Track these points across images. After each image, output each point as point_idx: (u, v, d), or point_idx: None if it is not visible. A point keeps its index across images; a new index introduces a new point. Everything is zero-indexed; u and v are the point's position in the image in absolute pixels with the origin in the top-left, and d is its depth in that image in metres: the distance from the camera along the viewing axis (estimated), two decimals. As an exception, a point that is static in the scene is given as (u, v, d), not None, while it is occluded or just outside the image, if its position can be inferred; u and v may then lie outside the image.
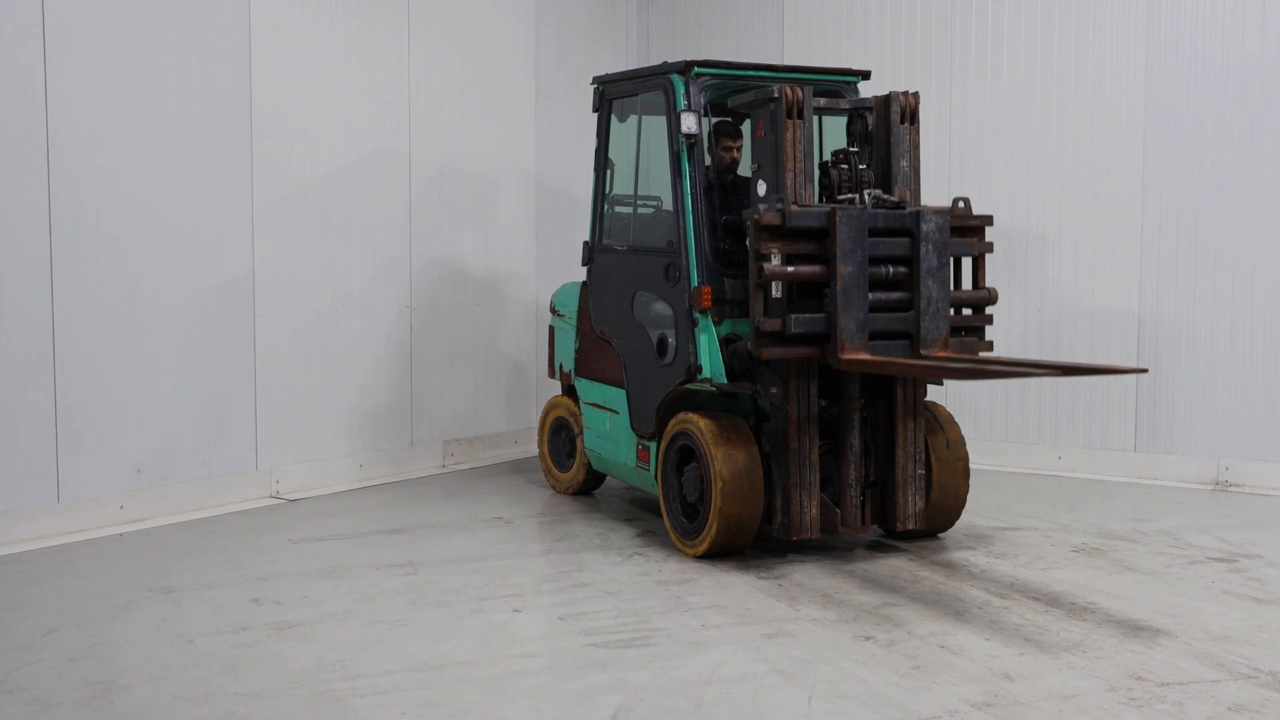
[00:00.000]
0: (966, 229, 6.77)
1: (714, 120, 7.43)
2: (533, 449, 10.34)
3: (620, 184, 8.01)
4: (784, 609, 5.93)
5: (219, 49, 8.00)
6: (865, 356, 6.30)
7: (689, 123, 6.97)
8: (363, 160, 9.00)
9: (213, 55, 7.97)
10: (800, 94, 6.58)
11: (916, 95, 6.92)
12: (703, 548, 6.74)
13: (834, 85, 7.48)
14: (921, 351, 6.44)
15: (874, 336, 6.44)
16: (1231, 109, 8.74)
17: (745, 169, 7.53)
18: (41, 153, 7.09)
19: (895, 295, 6.49)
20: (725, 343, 6.86)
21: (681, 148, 7.03)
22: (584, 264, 8.17)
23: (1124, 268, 9.15)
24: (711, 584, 6.37)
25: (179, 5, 7.77)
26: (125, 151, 7.51)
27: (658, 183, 7.79)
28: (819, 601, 6.06)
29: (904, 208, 6.63)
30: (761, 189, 6.67)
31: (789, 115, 6.56)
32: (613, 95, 7.90)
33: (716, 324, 6.87)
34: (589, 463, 8.34)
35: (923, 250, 6.46)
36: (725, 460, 6.59)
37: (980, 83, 9.72)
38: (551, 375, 8.81)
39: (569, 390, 8.65)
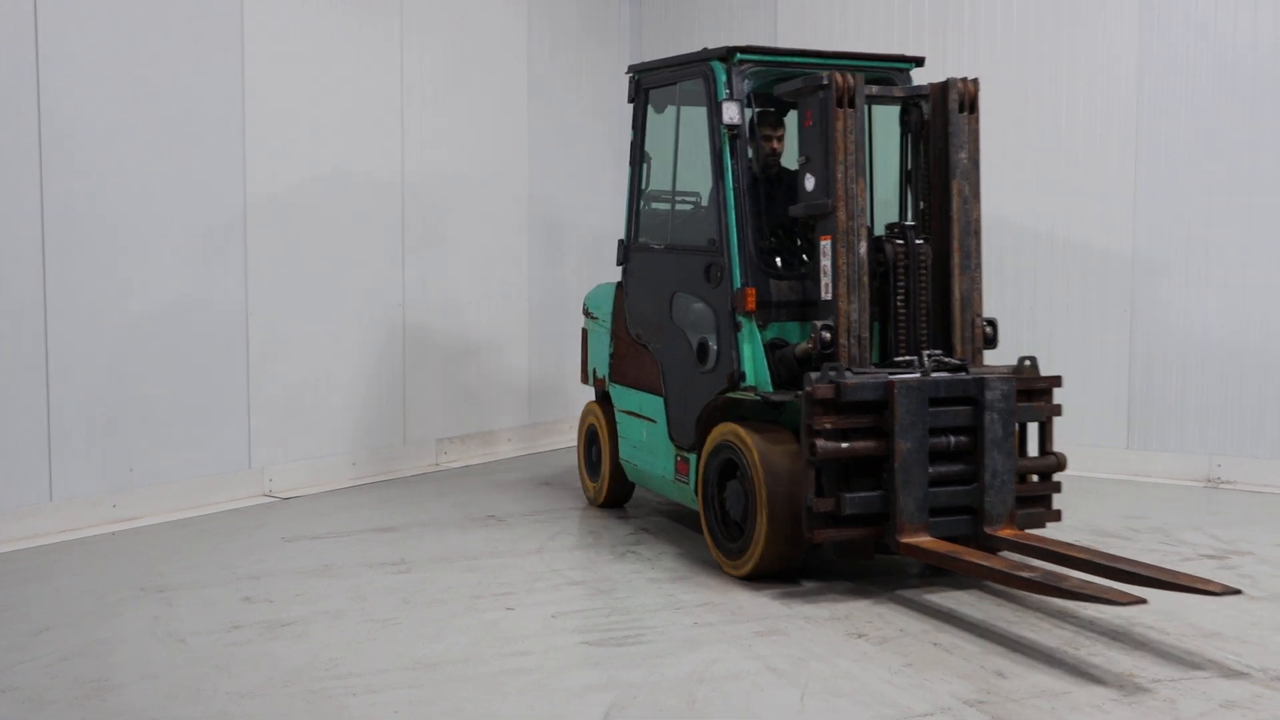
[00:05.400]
0: (1033, 391, 6.21)
1: (755, 109, 7.04)
2: (524, 446, 10.35)
3: (657, 179, 7.57)
4: (776, 606, 5.94)
5: (212, 51, 7.99)
6: (927, 541, 5.82)
7: (731, 112, 6.52)
8: (357, 159, 8.99)
9: (207, 59, 7.95)
10: (852, 81, 6.13)
11: (976, 82, 6.49)
12: (748, 568, 6.27)
13: (884, 72, 7.03)
14: (986, 529, 5.94)
15: (933, 512, 5.92)
16: (1225, 106, 8.74)
17: (788, 160, 7.21)
18: (34, 153, 7.08)
19: (957, 468, 5.97)
20: (770, 348, 6.43)
21: (723, 139, 6.57)
22: (619, 263, 7.76)
23: (1116, 265, 9.16)
24: (704, 582, 6.37)
25: (173, 14, 7.77)
26: (119, 151, 7.49)
27: (697, 177, 7.31)
28: (811, 599, 6.06)
29: (966, 370, 6.13)
30: (810, 183, 6.25)
31: (840, 104, 6.10)
32: (649, 85, 7.47)
33: (761, 328, 6.44)
34: (613, 474, 7.92)
35: (987, 419, 5.93)
36: (772, 476, 6.13)
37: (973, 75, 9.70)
38: (584, 380, 8.41)
39: (602, 397, 8.19)
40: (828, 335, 6.13)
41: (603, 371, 8.01)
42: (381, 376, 9.27)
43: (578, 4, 11.02)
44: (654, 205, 7.61)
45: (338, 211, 8.87)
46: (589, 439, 8.26)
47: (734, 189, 6.52)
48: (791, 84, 6.37)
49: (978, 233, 6.44)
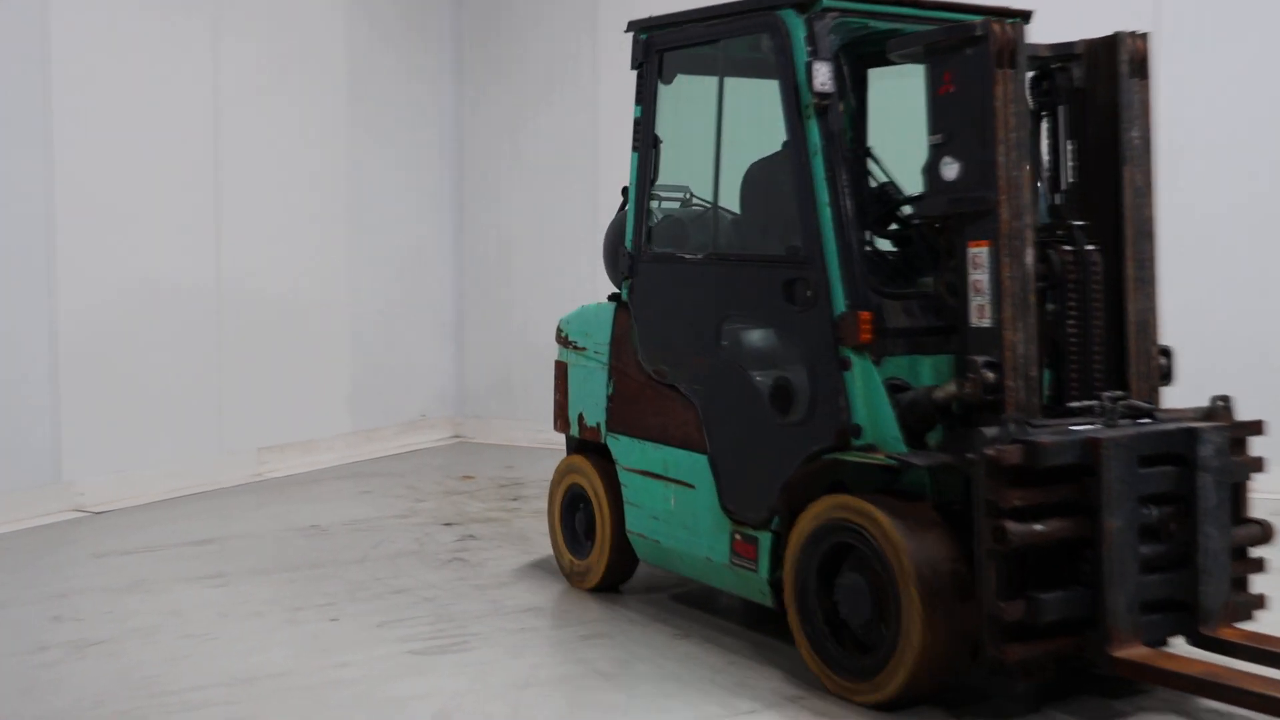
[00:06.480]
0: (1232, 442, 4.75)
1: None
2: (347, 455, 10.17)
3: (669, 170, 6.02)
4: (601, 610, 5.97)
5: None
6: (1149, 655, 4.41)
7: (823, 76, 4.94)
8: (166, 159, 8.76)
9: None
10: (1012, 33, 4.60)
11: (1146, 38, 5.03)
12: (887, 693, 4.59)
13: None
14: (1202, 630, 4.55)
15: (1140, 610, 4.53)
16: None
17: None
18: None
19: (1162, 549, 4.54)
20: (890, 391, 4.83)
21: (809, 114, 4.97)
22: (624, 278, 6.01)
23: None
24: (529, 587, 6.36)
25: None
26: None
27: (689, 167, 5.92)
28: (636, 602, 6.11)
29: (1153, 417, 4.74)
30: (951, 170, 4.73)
31: (999, 63, 4.59)
32: (664, 45, 5.83)
33: (875, 364, 4.84)
34: (615, 550, 6.17)
35: (1199, 483, 4.55)
36: (925, 572, 4.47)
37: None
38: (561, 428, 6.59)
39: (584, 448, 6.45)
40: (992, 375, 4.57)
41: (596, 418, 6.26)
42: (198, 384, 9.01)
43: (399, 11, 10.92)
44: (667, 203, 6.15)
45: (150, 207, 8.59)
46: (569, 503, 6.49)
47: (830, 179, 4.91)
48: (912, 39, 4.89)
49: (1152, 235, 5.03)
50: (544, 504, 8.20)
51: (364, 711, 4.71)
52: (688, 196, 6.12)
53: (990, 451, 4.31)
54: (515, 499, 8.53)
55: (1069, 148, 5.16)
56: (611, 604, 6.04)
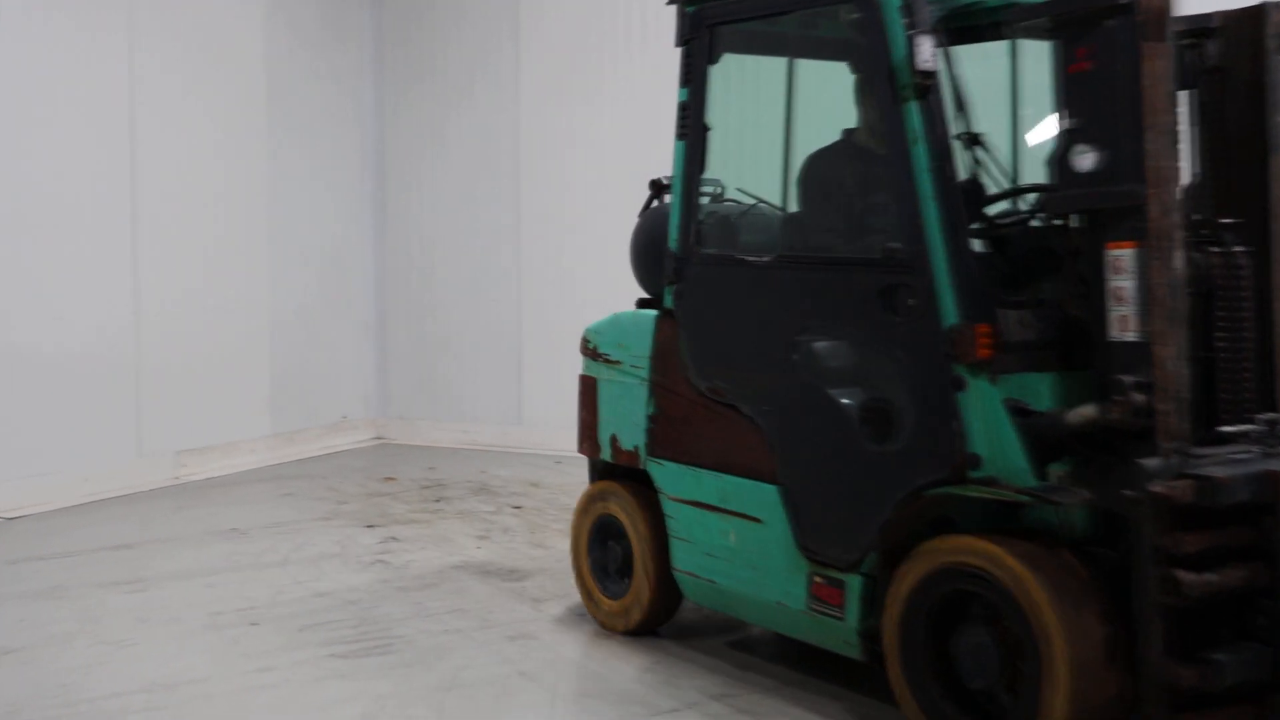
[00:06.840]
0: None
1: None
2: (268, 457, 10.07)
3: (716, 163, 5.28)
4: (526, 610, 5.96)
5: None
6: None
7: (926, 53, 4.29)
8: (81, 156, 8.63)
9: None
10: (1163, 2, 3.95)
11: None
12: None
13: None
14: None
15: None
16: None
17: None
18: None
19: None
20: (1012, 414, 4.13)
21: (908, 96, 4.30)
22: (669, 282, 5.25)
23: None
24: (454, 589, 6.34)
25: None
26: None
27: (717, 158, 5.26)
28: (561, 602, 6.11)
29: None
30: (1087, 159, 4.10)
31: (1147, 36, 3.95)
32: (717, 19, 5.07)
33: (993, 384, 4.14)
34: (659, 589, 5.45)
35: None
36: (1073, 626, 3.83)
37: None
38: (589, 452, 5.85)
39: (616, 473, 5.72)
40: (1142, 397, 3.89)
41: (633, 440, 5.52)
42: (114, 385, 8.88)
43: (319, 11, 10.83)
44: (721, 200, 5.43)
45: (63, 203, 8.47)
46: (598, 535, 5.78)
47: (934, 171, 4.27)
48: (1042, 7, 4.25)
49: None
50: (468, 505, 8.29)
51: (286, 717, 4.67)
52: (719, 191, 5.40)
53: (1159, 488, 3.71)
54: (438, 500, 8.50)
55: (1197, 135, 4.57)
56: (536, 605, 6.03)
